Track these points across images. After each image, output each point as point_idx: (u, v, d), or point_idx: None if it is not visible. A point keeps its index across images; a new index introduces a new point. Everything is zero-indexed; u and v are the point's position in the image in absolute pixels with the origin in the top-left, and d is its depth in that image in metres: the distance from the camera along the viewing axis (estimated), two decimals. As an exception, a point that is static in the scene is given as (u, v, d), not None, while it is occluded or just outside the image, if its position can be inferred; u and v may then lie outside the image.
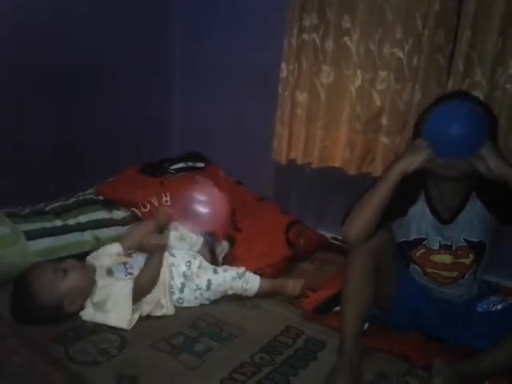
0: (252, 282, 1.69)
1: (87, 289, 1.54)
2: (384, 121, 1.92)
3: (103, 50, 2.29)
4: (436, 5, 1.72)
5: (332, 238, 2.17)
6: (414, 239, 1.42)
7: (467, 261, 1.40)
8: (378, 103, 1.94)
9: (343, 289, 1.38)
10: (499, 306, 1.40)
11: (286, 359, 1.41)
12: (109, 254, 1.70)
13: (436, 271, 1.43)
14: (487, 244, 1.39)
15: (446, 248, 1.40)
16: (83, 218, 1.90)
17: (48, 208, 1.92)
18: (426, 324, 1.46)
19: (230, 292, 1.69)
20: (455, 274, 1.42)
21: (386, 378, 1.35)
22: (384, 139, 1.93)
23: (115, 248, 1.74)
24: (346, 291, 1.37)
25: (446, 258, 1.41)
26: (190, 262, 1.69)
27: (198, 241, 1.83)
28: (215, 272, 1.69)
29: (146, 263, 1.58)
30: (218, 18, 2.43)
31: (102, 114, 2.34)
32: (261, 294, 1.70)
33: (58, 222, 1.86)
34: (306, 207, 2.32)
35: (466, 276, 1.42)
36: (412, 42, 1.82)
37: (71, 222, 1.88)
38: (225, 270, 1.70)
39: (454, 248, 1.39)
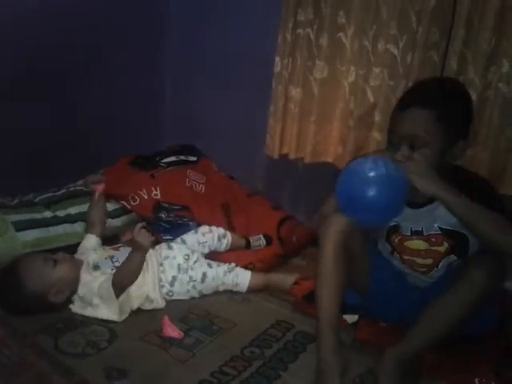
0: (242, 276, 1.70)
1: (74, 282, 1.53)
2: (377, 117, 1.92)
3: (94, 38, 2.25)
4: (431, 2, 1.72)
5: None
6: (391, 225, 1.43)
7: (442, 248, 1.39)
8: (372, 99, 1.94)
9: (316, 272, 1.34)
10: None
11: (275, 352, 1.42)
12: (92, 249, 1.69)
13: (411, 258, 1.44)
14: (469, 237, 1.37)
15: (417, 234, 1.40)
16: (73, 210, 1.88)
17: (37, 199, 1.91)
18: (404, 312, 1.46)
19: (221, 288, 1.69)
20: (430, 261, 1.42)
21: (373, 374, 1.35)
22: (377, 135, 1.93)
23: (92, 240, 1.73)
24: (320, 275, 1.33)
25: (419, 245, 1.41)
26: (188, 256, 1.70)
27: (217, 247, 1.87)
28: (210, 266, 1.70)
29: (127, 258, 1.55)
30: (214, 9, 2.42)
31: (92, 106, 2.32)
32: (252, 289, 1.70)
33: (48, 214, 1.85)
34: (298, 202, 2.32)
35: (441, 264, 1.41)
36: (406, 39, 1.81)
37: (61, 213, 1.87)
38: (218, 265, 1.71)
39: (425, 234, 1.39)
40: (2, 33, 1.95)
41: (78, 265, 1.58)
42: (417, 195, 1.32)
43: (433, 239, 1.39)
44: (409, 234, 1.42)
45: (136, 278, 1.55)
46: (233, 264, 1.74)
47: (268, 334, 1.50)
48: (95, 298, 1.51)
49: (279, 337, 1.49)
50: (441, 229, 1.38)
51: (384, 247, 1.50)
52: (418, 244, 1.42)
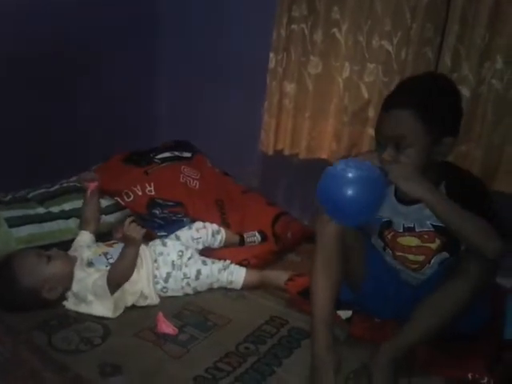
0: (237, 274, 1.70)
1: (67, 279, 1.53)
2: (371, 113, 1.92)
3: (91, 37, 2.25)
4: (425, -2, 1.73)
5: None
6: (385, 221, 1.43)
7: (433, 245, 1.39)
8: (366, 95, 1.94)
9: (311, 268, 1.35)
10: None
11: (270, 348, 1.42)
12: (85, 245, 1.68)
13: (403, 254, 1.44)
14: None
15: (409, 230, 1.40)
16: (67, 206, 1.88)
17: (30, 195, 1.90)
18: (398, 308, 1.45)
19: (215, 285, 1.69)
20: (421, 257, 1.42)
21: (366, 369, 1.35)
22: (371, 131, 1.93)
23: (86, 237, 1.72)
24: (315, 271, 1.34)
25: (411, 241, 1.41)
26: (182, 252, 1.70)
27: (211, 243, 1.86)
28: (204, 263, 1.69)
29: (120, 254, 1.54)
30: (207, 5, 2.41)
31: (87, 101, 2.31)
32: (247, 287, 1.70)
33: (41, 210, 1.84)
34: (293, 198, 2.32)
35: (433, 261, 1.41)
36: (400, 35, 1.82)
37: (55, 209, 1.86)
38: (213, 262, 1.71)
39: (417, 230, 1.39)
40: (2, 33, 1.94)
41: (72, 261, 1.58)
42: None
43: (425, 236, 1.39)
44: (401, 230, 1.41)
45: (131, 273, 1.54)
46: (228, 261, 1.74)
47: (262, 330, 1.50)
48: (89, 295, 1.50)
49: (274, 333, 1.49)
50: (433, 226, 1.37)
51: (377, 243, 1.50)
52: (409, 240, 1.41)
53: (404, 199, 1.37)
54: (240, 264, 1.77)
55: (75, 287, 1.52)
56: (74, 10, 2.15)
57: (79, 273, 1.55)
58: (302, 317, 1.55)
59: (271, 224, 2.03)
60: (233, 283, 1.69)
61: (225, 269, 1.69)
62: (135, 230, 1.52)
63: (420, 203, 1.34)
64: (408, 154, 1.25)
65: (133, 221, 1.56)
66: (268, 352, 1.40)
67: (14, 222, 1.73)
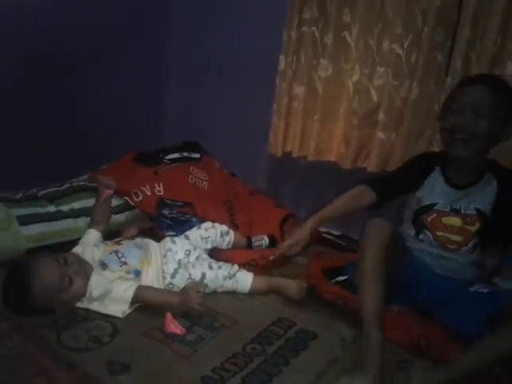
0: (243, 282, 1.68)
1: (83, 293, 1.51)
2: (380, 116, 1.93)
3: (91, 37, 2.27)
4: (437, 1, 1.73)
5: (325, 232, 2.17)
6: (426, 205, 1.56)
7: (473, 228, 1.52)
8: (375, 98, 1.94)
9: (361, 271, 1.39)
10: (486, 290, 1.46)
11: (276, 349, 1.42)
12: (93, 244, 1.67)
13: (445, 234, 1.54)
14: (500, 227, 1.50)
15: (455, 211, 1.53)
16: (77, 205, 1.89)
17: (41, 193, 1.91)
18: (416, 299, 1.50)
19: (220, 290, 1.68)
20: (461, 238, 1.53)
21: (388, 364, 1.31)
22: (380, 134, 1.94)
23: (94, 236, 1.72)
24: (364, 273, 1.38)
25: (455, 221, 1.53)
26: (189, 252, 1.70)
27: (219, 243, 1.87)
28: (210, 267, 1.69)
29: (164, 294, 1.56)
30: (217, 6, 2.42)
31: (97, 101, 2.33)
32: (254, 292, 1.68)
33: (52, 208, 1.85)
34: (301, 200, 2.33)
35: (470, 244, 1.53)
36: (411, 39, 1.82)
37: (64, 208, 1.87)
38: (219, 267, 1.70)
39: (462, 212, 1.52)
40: (2, 33, 1.96)
41: (89, 273, 1.54)
42: (459, 178, 1.53)
43: (468, 218, 1.52)
44: (448, 210, 1.54)
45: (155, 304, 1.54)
46: (235, 267, 1.71)
47: (269, 331, 1.50)
48: (107, 299, 1.50)
49: (281, 334, 1.49)
50: (476, 209, 1.51)
51: (409, 230, 1.60)
52: (454, 220, 1.53)
53: (457, 184, 1.53)
54: (248, 264, 1.77)
55: (94, 293, 1.50)
56: (74, 10, 2.16)
57: (95, 278, 1.52)
58: (310, 319, 1.55)
59: (279, 226, 2.03)
60: (238, 290, 1.68)
61: (230, 278, 1.67)
62: (199, 303, 1.50)
63: (467, 188, 1.53)
64: (483, 121, 1.41)
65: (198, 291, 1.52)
66: (275, 353, 1.41)
67: (24, 220, 1.74)
